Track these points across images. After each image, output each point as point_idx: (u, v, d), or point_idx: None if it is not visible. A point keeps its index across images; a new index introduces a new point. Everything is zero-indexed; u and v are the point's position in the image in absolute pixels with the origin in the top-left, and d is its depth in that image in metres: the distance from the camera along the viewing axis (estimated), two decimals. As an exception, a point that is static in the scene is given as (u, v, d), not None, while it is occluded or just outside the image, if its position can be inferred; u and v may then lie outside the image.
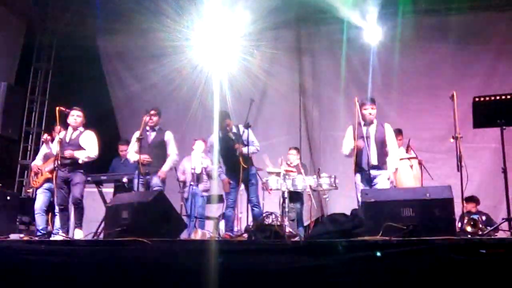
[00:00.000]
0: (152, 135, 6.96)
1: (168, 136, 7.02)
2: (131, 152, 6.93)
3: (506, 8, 9.04)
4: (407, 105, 9.22)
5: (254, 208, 6.74)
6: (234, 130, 6.74)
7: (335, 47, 9.67)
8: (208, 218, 8.33)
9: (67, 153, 6.66)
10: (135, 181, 6.83)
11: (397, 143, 6.50)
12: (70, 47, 9.82)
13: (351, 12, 8.62)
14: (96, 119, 7.66)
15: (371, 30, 8.85)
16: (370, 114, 6.19)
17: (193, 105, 9.46)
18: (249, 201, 6.75)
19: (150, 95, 10.19)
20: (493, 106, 5.60)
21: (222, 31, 8.77)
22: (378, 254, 3.98)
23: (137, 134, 6.83)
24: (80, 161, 6.75)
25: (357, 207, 5.34)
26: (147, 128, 6.96)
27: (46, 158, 7.26)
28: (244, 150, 6.59)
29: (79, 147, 6.79)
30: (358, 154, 6.13)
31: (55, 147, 6.85)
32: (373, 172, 6.11)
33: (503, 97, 5.61)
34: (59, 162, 6.69)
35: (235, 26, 8.75)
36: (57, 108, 6.79)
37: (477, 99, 5.68)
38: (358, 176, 6.21)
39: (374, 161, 6.12)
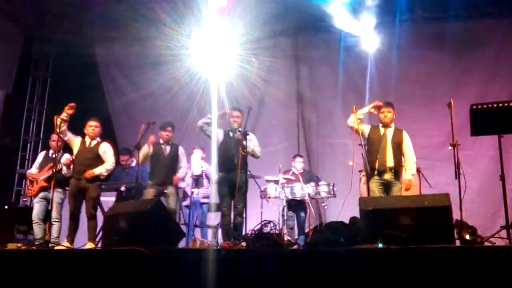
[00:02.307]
0: (167, 149, 7.18)
1: (181, 151, 7.31)
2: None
3: (503, 16, 9.08)
4: (404, 113, 9.17)
5: (237, 217, 6.54)
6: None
7: (332, 55, 9.70)
8: (207, 226, 8.31)
9: (88, 173, 6.71)
10: (149, 190, 6.93)
11: (413, 152, 6.49)
12: (67, 55, 9.81)
13: (348, 20, 8.65)
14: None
15: (368, 38, 8.87)
16: (385, 116, 6.39)
17: (190, 113, 9.45)
18: (234, 207, 6.59)
19: (148, 103, 10.21)
20: (490, 113, 5.61)
21: (220, 39, 8.79)
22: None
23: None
24: (101, 176, 6.85)
25: (355, 215, 5.34)
26: (161, 141, 7.17)
27: (41, 166, 7.25)
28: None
29: (98, 157, 6.87)
30: (372, 156, 6.22)
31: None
32: (388, 176, 6.21)
33: (501, 104, 5.62)
34: (58, 169, 6.74)
35: (233, 34, 8.77)
36: (55, 117, 6.80)
37: (474, 106, 5.69)
38: (374, 183, 6.21)
39: (390, 163, 6.23)
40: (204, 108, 9.15)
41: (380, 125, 6.47)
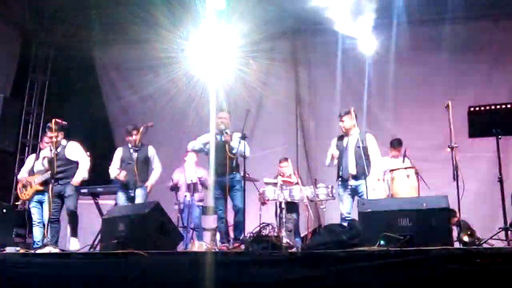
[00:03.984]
0: (135, 153, 7.20)
1: (152, 152, 7.33)
2: (113, 169, 7.18)
3: (500, 18, 9.10)
4: (402, 115, 9.24)
5: (237, 216, 6.60)
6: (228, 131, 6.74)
7: (330, 58, 9.70)
8: (204, 229, 8.31)
9: (74, 183, 6.87)
10: (119, 194, 7.07)
11: (379, 153, 6.71)
12: (66, 58, 9.83)
13: (346, 23, 8.67)
14: (91, 129, 7.67)
15: (366, 40, 8.88)
16: (340, 126, 6.65)
17: (189, 116, 9.46)
18: (233, 206, 6.67)
19: (146, 105, 10.22)
20: (488, 115, 5.62)
21: (218, 42, 8.80)
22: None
23: (119, 151, 7.23)
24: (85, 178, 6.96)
25: (355, 218, 5.35)
26: (129, 146, 7.20)
27: (33, 171, 7.25)
28: (234, 143, 6.63)
29: (68, 161, 6.94)
30: (339, 164, 6.55)
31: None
32: (352, 183, 6.46)
33: (498, 106, 5.63)
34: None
35: (231, 37, 8.78)
36: (53, 120, 6.80)
37: (472, 108, 5.70)
38: (340, 186, 6.58)
39: (352, 170, 6.46)
40: (202, 110, 9.17)
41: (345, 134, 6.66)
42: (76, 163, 7.00)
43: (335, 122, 9.39)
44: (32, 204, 7.16)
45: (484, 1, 9.06)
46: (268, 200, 7.51)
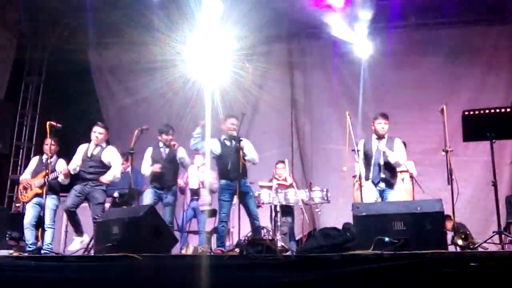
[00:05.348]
0: (166, 152, 7.18)
1: (182, 153, 7.25)
2: (145, 166, 7.12)
3: (494, 23, 9.16)
4: (397, 118, 9.19)
5: (255, 222, 6.57)
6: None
7: (326, 61, 9.74)
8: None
9: (105, 178, 6.77)
10: (149, 195, 6.95)
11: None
12: (61, 61, 9.79)
13: (342, 27, 8.69)
14: (86, 132, 7.58)
15: (362, 44, 8.92)
16: (382, 128, 6.41)
17: (184, 119, 9.44)
18: (249, 214, 6.61)
19: (142, 108, 10.19)
20: (482, 119, 5.64)
21: (214, 45, 8.80)
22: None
23: (150, 150, 7.14)
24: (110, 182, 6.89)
25: (348, 221, 5.34)
26: (161, 144, 7.18)
27: (35, 172, 7.21)
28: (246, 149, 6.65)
29: (102, 163, 6.85)
30: (367, 165, 6.34)
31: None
32: (382, 185, 6.28)
33: (493, 110, 5.66)
34: (48, 177, 6.71)
35: (227, 40, 8.78)
36: (48, 123, 6.77)
37: (466, 112, 5.72)
38: (369, 190, 6.28)
39: (383, 174, 6.29)
40: (198, 113, 9.16)
41: (374, 136, 6.46)
42: (107, 168, 6.90)
43: (330, 126, 9.50)
44: (29, 205, 7.09)
45: (479, 6, 9.11)
46: (263, 203, 7.51)
